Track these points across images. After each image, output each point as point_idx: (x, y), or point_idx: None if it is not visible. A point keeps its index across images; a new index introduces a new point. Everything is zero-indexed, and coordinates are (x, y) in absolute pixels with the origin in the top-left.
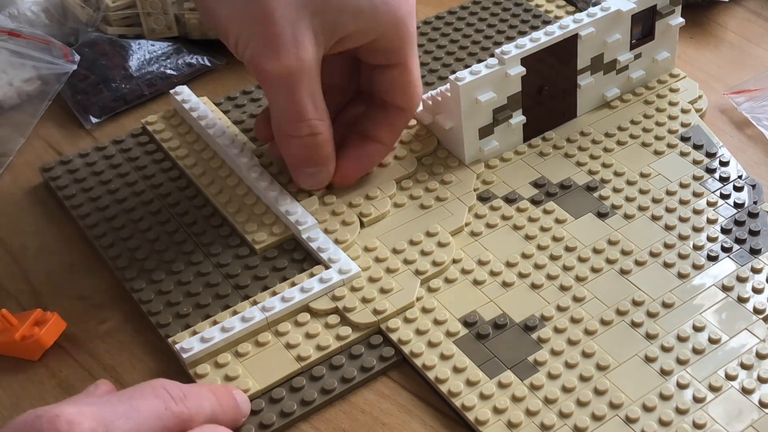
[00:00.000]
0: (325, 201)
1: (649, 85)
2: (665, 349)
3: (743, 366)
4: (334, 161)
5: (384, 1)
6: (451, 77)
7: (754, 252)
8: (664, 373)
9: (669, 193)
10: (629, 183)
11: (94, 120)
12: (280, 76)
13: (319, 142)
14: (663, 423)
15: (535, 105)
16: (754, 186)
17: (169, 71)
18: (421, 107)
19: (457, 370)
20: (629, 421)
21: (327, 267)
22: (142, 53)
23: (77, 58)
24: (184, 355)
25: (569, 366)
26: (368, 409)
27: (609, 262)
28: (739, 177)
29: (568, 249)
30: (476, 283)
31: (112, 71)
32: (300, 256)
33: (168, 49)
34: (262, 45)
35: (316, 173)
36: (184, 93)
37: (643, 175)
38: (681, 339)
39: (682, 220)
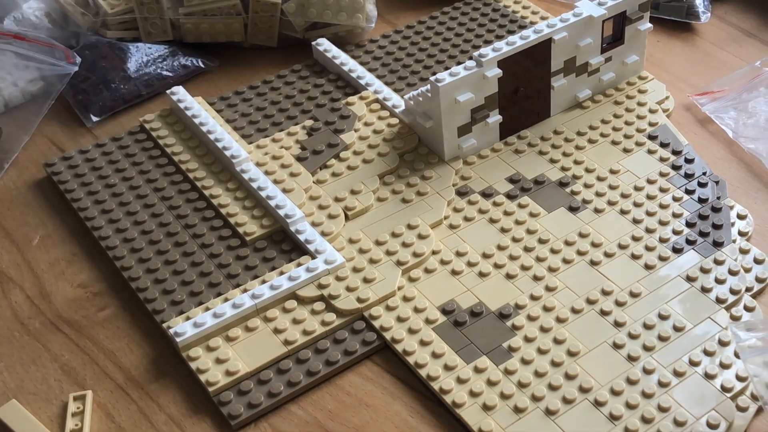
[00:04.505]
0: (312, 195)
1: (618, 86)
2: (632, 337)
3: (706, 353)
4: None
5: None
6: (432, 78)
7: (717, 245)
8: (631, 359)
9: (637, 188)
10: (599, 179)
11: (94, 119)
12: None
13: None
14: (630, 406)
15: (511, 105)
16: (717, 182)
17: (165, 72)
18: (403, 106)
19: (435, 355)
20: (598, 404)
21: (313, 257)
22: (140, 56)
23: (78, 59)
24: (178, 339)
25: (542, 352)
26: (353, 391)
27: (580, 253)
28: (704, 173)
29: (541, 241)
30: (454, 273)
31: (111, 73)
32: (288, 247)
33: (164, 51)
34: None
35: None
36: (179, 93)
37: (612, 172)
38: (647, 327)
39: (649, 214)
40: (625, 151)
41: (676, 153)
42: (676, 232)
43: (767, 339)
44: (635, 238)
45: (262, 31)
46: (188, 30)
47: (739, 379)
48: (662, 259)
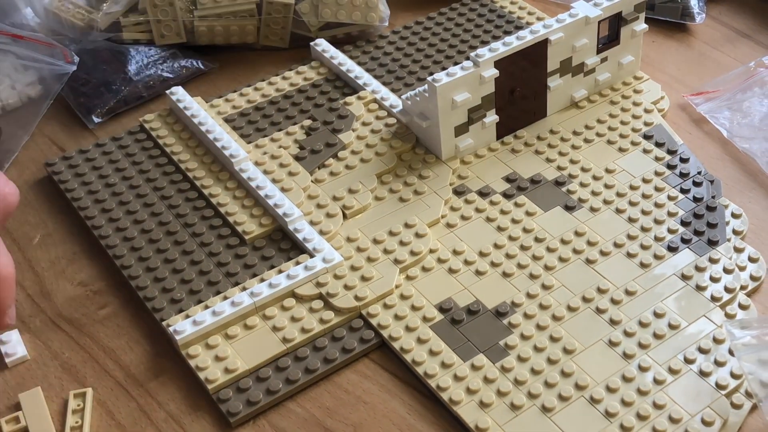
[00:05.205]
0: (310, 194)
1: (614, 86)
2: (628, 334)
3: (701, 350)
4: None
5: None
6: (429, 79)
7: (712, 243)
8: (627, 356)
9: (632, 187)
10: (595, 178)
11: (96, 120)
12: None
13: None
14: (625, 403)
15: (508, 105)
16: (712, 181)
17: (165, 74)
18: (401, 106)
19: (432, 353)
20: (594, 401)
21: (312, 256)
22: (140, 58)
23: (76, 59)
24: (177, 337)
25: (538, 350)
26: (351, 388)
27: (576, 252)
28: (699, 173)
29: (537, 240)
30: (451, 271)
31: (112, 75)
32: (287, 246)
33: (164, 53)
34: None
35: None
36: (178, 93)
37: (608, 171)
38: (643, 325)
39: (645, 213)
40: (621, 150)
41: (671, 152)
42: (671, 231)
43: (761, 336)
44: (631, 237)
45: (275, 32)
46: (202, 33)
47: (734, 376)
48: (657, 257)
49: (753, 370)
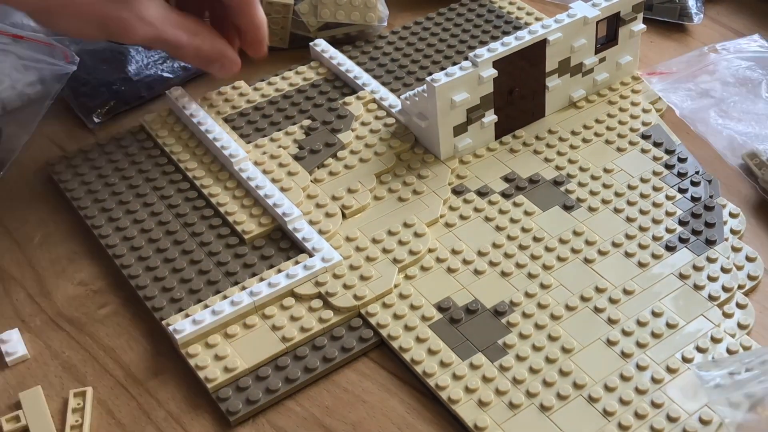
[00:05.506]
0: (309, 194)
1: (612, 86)
2: (626, 334)
3: (699, 349)
4: (230, 49)
5: None
6: (428, 79)
7: (710, 243)
8: (625, 355)
9: (630, 187)
10: (593, 178)
11: (96, 120)
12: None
13: (203, 51)
14: (623, 402)
15: (507, 105)
16: (710, 181)
17: (165, 74)
18: (400, 106)
19: (431, 352)
20: (592, 400)
21: (311, 255)
22: (140, 58)
23: (77, 59)
24: (177, 336)
25: (536, 349)
26: (350, 387)
27: (574, 251)
28: (696, 173)
29: (536, 239)
30: (450, 271)
31: (112, 75)
32: (286, 245)
33: (164, 53)
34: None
35: (220, 66)
36: (178, 93)
37: (606, 171)
38: (641, 324)
39: (643, 212)
40: (619, 150)
41: (669, 152)
42: (669, 231)
43: (732, 374)
44: (629, 236)
45: (274, 33)
46: None
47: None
48: (655, 257)
49: (727, 414)
